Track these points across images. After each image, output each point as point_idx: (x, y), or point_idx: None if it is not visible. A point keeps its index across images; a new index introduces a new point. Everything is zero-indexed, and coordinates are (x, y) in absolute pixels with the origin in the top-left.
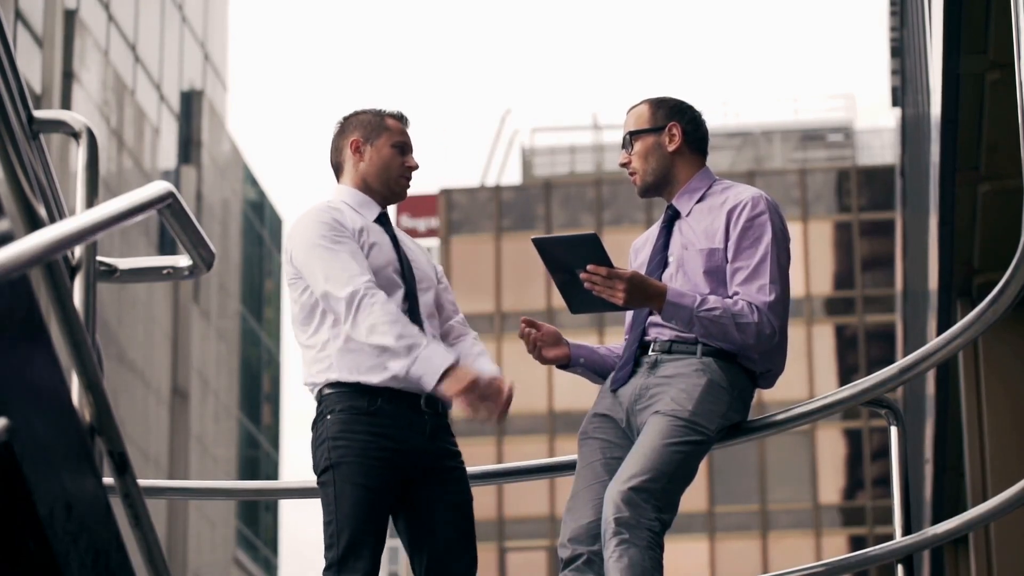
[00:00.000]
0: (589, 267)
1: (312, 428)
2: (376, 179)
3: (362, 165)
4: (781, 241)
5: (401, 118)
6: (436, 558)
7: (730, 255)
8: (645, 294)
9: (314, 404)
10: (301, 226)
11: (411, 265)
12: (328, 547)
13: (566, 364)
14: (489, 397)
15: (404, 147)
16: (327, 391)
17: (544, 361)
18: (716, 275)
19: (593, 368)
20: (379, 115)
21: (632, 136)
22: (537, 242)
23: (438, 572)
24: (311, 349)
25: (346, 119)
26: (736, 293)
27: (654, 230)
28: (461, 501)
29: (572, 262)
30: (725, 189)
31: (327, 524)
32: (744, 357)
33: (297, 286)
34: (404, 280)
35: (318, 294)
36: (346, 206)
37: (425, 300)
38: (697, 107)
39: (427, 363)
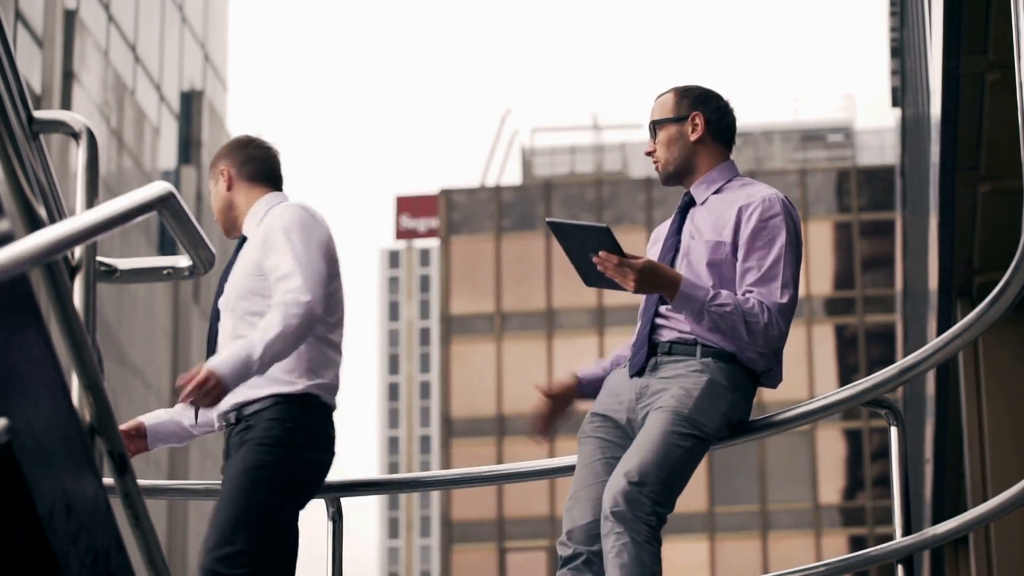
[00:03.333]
0: (601, 253)
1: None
2: None
3: None
4: (795, 244)
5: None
6: None
7: (741, 253)
8: (658, 282)
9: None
10: None
11: (222, 288)
12: (231, 532)
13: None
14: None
15: None
16: None
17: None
18: (719, 268)
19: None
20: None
21: (656, 125)
22: (552, 225)
23: None
24: None
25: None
26: (749, 292)
27: (663, 226)
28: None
29: (585, 247)
30: (744, 185)
31: (242, 513)
32: (745, 357)
33: None
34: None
35: None
36: None
37: (230, 318)
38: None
39: None
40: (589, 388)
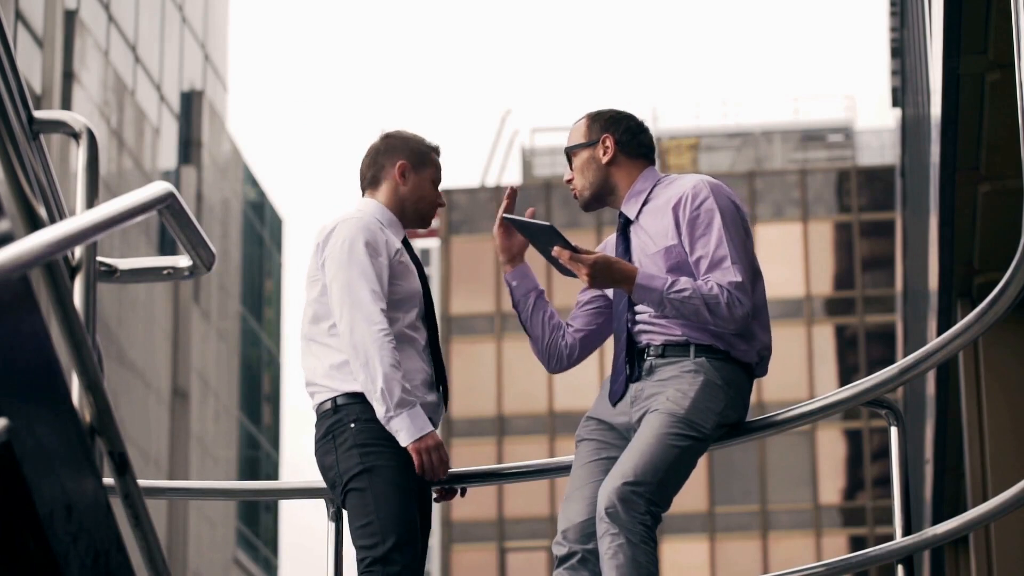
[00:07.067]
0: (554, 249)
1: (327, 434)
2: (412, 206)
3: (402, 189)
4: (733, 220)
5: (440, 153)
6: None
7: (688, 248)
8: (612, 277)
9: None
10: (344, 232)
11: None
12: (370, 546)
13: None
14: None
15: (439, 183)
16: (344, 400)
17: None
18: (680, 271)
19: (522, 300)
20: (427, 148)
21: (569, 152)
22: (507, 220)
23: None
24: (329, 351)
25: (393, 137)
26: (705, 280)
27: (611, 240)
28: (430, 521)
29: (541, 242)
30: (668, 185)
31: (365, 525)
32: (736, 349)
33: (320, 283)
34: (427, 312)
35: (343, 319)
36: (377, 222)
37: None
38: (637, 116)
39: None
40: (513, 283)
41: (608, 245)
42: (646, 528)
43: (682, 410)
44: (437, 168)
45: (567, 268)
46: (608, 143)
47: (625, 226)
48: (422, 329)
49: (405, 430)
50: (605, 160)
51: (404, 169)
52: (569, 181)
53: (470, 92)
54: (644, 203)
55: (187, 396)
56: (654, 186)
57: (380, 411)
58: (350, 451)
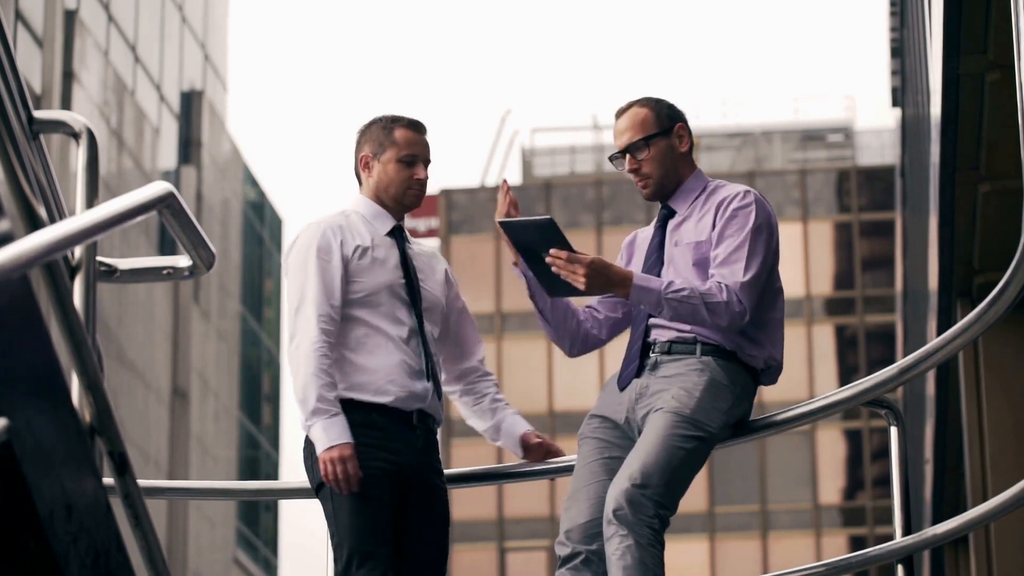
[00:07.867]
0: (552, 251)
1: (307, 441)
2: (384, 193)
3: (371, 180)
4: (765, 231)
5: (412, 125)
6: (413, 571)
7: (713, 246)
8: (608, 279)
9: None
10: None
11: (420, 287)
12: (336, 559)
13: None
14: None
15: (412, 159)
16: None
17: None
18: (704, 266)
19: (538, 289)
20: (388, 128)
21: (648, 141)
22: (503, 224)
23: None
24: None
25: (360, 132)
26: (712, 275)
27: (648, 230)
28: (444, 519)
29: (537, 246)
30: (718, 188)
31: (332, 538)
32: (743, 351)
33: None
34: (412, 302)
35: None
36: (359, 216)
37: (430, 328)
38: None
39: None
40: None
41: (638, 237)
42: (653, 531)
43: (688, 410)
44: (401, 146)
45: (559, 287)
46: (683, 132)
47: (666, 219)
48: (404, 321)
49: (318, 440)
50: (683, 150)
51: (366, 161)
52: (635, 170)
53: (470, 92)
54: (693, 201)
55: (187, 396)
56: (705, 186)
57: (300, 419)
58: (318, 460)
